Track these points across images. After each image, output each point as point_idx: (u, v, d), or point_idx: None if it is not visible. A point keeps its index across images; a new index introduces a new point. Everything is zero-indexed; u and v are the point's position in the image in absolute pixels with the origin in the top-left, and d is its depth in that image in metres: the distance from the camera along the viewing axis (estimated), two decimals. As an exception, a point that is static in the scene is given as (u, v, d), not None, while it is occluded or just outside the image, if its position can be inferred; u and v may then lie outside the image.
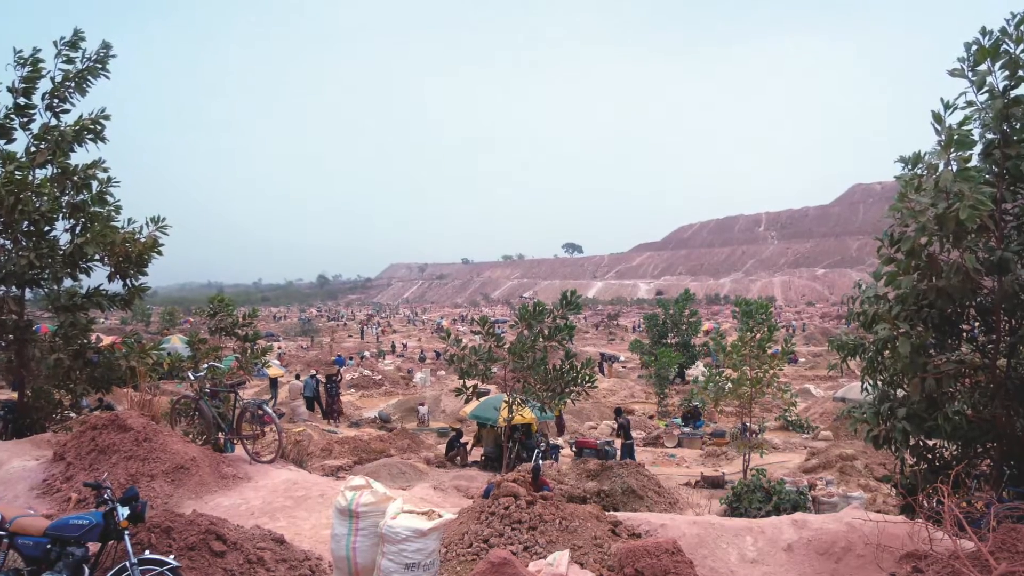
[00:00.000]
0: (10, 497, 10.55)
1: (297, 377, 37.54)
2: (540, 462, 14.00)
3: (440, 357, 55.82)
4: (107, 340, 16.21)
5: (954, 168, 7.88)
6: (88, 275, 14.50)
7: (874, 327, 9.19)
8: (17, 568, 6.64)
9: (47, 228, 14.10)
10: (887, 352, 9.18)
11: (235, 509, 10.81)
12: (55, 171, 14.13)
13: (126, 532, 6.60)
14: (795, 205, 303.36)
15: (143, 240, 14.41)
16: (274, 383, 37.33)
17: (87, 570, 6.53)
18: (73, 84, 14.56)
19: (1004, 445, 8.78)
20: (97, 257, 14.16)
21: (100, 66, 14.80)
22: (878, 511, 12.98)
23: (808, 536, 9.09)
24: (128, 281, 14.67)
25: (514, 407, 17.76)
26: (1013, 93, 8.24)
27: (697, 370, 43.90)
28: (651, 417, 37.09)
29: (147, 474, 10.91)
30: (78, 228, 14.26)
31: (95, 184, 14.26)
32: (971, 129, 8.08)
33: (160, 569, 6.57)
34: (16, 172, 13.74)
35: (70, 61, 14.55)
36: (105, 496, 6.73)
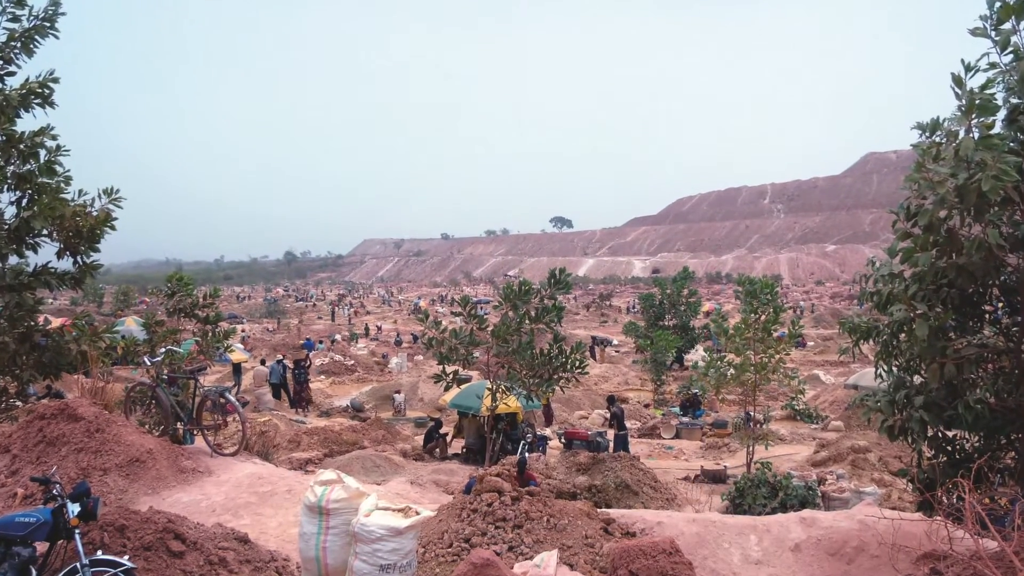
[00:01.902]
0: (-51, 493, 10.53)
1: (262, 362, 37.59)
2: (526, 455, 14.03)
3: (417, 341, 55.82)
4: (56, 322, 16.10)
5: (976, 135, 7.84)
6: (35, 251, 14.39)
7: (889, 308, 9.16)
8: (-42, 570, 6.62)
9: (-10, 201, 14.01)
10: (903, 335, 9.14)
11: (195, 506, 10.80)
12: (-1, 139, 14.02)
13: (76, 531, 6.58)
14: (803, 176, 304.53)
15: (95, 214, 14.31)
16: (237, 369, 37.25)
17: (34, 571, 6.50)
18: (19, 44, 14.41)
19: (1029, 436, 8.81)
20: (45, 232, 14.06)
21: (48, 24, 14.65)
22: (893, 508, 13.07)
23: (817, 535, 9.13)
24: (79, 258, 14.57)
25: (498, 395, 17.77)
26: (1040, 54, 8.23)
27: (697, 355, 43.98)
28: (647, 406, 37.15)
29: (99, 468, 10.89)
30: (24, 200, 14.14)
31: (43, 153, 14.12)
32: (994, 93, 8.03)
33: (113, 571, 6.55)
34: (-44, 140, 13.64)
35: (16, 19, 14.38)
36: (54, 491, 6.71)
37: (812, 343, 61.21)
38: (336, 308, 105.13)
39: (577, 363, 17.43)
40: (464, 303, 17.93)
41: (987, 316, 9.27)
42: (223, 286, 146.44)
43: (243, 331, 64.08)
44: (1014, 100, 8.44)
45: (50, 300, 74.45)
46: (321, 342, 56.31)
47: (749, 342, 21.62)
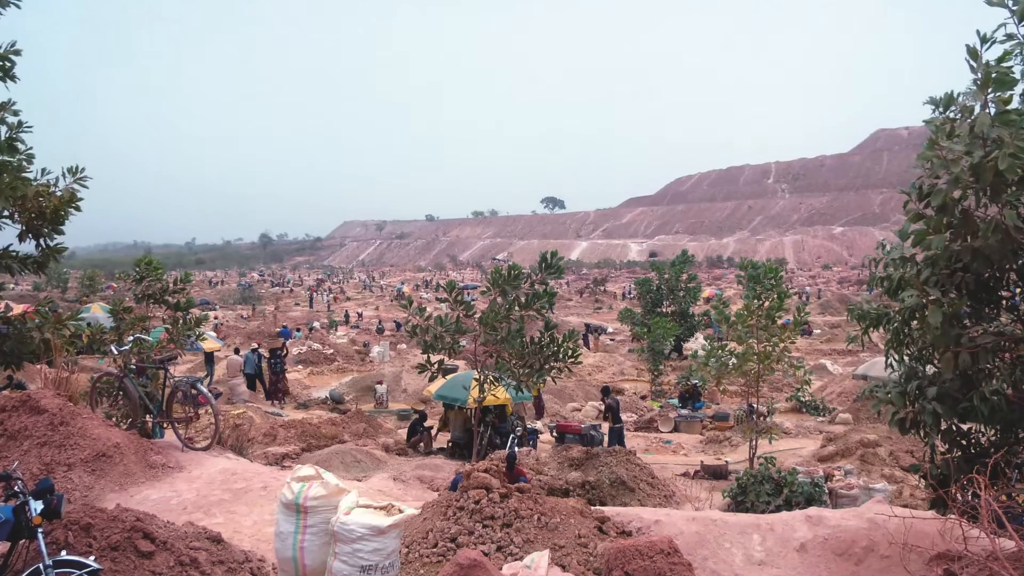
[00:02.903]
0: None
1: (236, 351, 37.53)
2: (516, 449, 14.03)
3: (401, 328, 55.81)
4: (18, 309, 16.06)
5: (992, 111, 7.83)
6: (-5, 234, 14.35)
7: (900, 294, 9.13)
8: (-87, 572, 6.60)
9: (-54, 180, 13.94)
10: (915, 323, 9.13)
11: (165, 503, 10.80)
12: (-43, 115, 13.93)
13: (39, 530, 6.56)
14: (809, 154, 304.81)
15: (59, 194, 14.25)
16: (210, 358, 37.24)
17: (-7, 574, 6.50)
18: (-23, 16, 14.33)
19: (1049, 429, 8.80)
20: (6, 213, 13.98)
21: (10, -6, 14.58)
22: (905, 505, 13.08)
23: (824, 534, 9.15)
24: (42, 241, 14.51)
25: (486, 386, 17.77)
26: (1060, 24, 8.20)
27: (696, 343, 44.00)
28: (644, 397, 37.22)
29: (64, 463, 10.88)
30: (-17, 180, 14.09)
31: (4, 130, 14.05)
32: (1012, 66, 8.00)
33: (79, 572, 6.53)
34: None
35: (-26, -10, 14.32)
36: (15, 488, 6.68)
37: (819, 331, 61.31)
38: (314, 294, 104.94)
39: (570, 352, 17.43)
40: (450, 288, 17.92)
41: (1004, 302, 9.23)
42: (195, 270, 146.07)
43: (216, 318, 63.94)
44: (1033, 73, 8.43)
45: (11, 285, 74.26)
46: (298, 330, 56.27)
47: (752, 330, 21.59)
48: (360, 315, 77.44)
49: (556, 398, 34.04)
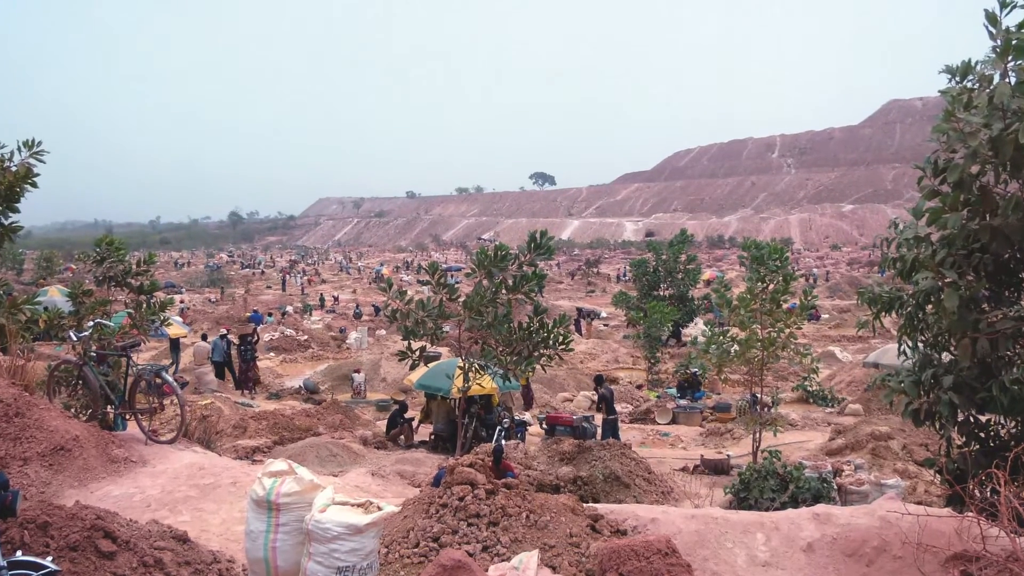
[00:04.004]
0: None
1: (204, 338, 37.47)
2: (503, 442, 14.04)
3: (380, 313, 55.74)
4: (-32, 292, 16.00)
5: (1012, 80, 7.81)
6: (-53, 213, 14.28)
7: (914, 276, 9.08)
8: None
9: None
10: (930, 307, 9.11)
11: (128, 500, 10.77)
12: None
13: (-8, 529, 6.54)
14: (816, 126, 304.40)
15: (14, 169, 14.18)
16: (175, 345, 37.19)
17: (-56, 576, 6.47)
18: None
19: (1073, 421, 8.79)
20: (-43, 191, 13.94)
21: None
22: (919, 502, 13.10)
23: (833, 533, 9.15)
24: (-4, 219, 14.47)
25: (471, 374, 17.76)
26: (1086, -12, 8.17)
27: (696, 329, 44.08)
28: (640, 387, 37.28)
29: (19, 457, 10.84)
30: (-67, 155, 14.00)
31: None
32: (1034, 32, 8.03)
33: (36, 574, 6.51)
34: None
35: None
36: (-34, 485, 6.66)
37: (827, 315, 61.43)
38: (287, 276, 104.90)
39: (560, 338, 17.43)
40: (432, 270, 17.91)
41: (1025, 285, 9.24)
42: (159, 251, 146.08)
43: (182, 302, 64.04)
44: (1057, 40, 8.40)
45: (-39, 267, 74.14)
46: (270, 314, 56.26)
47: (755, 314, 21.56)
48: (336, 299, 77.39)
49: (546, 387, 34.06)
